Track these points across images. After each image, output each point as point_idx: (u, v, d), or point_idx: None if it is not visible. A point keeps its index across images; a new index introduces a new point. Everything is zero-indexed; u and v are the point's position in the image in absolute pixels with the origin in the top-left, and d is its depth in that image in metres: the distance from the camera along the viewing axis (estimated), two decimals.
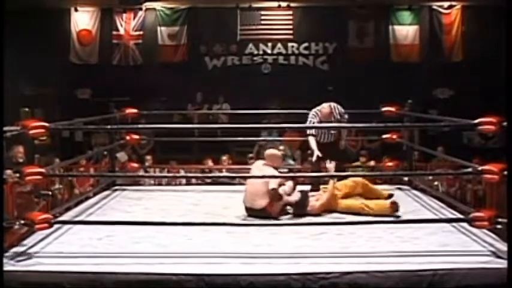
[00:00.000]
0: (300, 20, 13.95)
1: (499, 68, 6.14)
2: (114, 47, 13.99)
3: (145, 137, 9.74)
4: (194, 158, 10.95)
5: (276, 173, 5.31)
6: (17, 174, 4.18)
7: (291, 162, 10.52)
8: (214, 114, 13.14)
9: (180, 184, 8.38)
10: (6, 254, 3.96)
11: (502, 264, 3.76)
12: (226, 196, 6.20)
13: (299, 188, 5.47)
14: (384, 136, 6.99)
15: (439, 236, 4.45)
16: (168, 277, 3.66)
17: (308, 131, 6.29)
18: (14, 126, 4.34)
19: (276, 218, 5.08)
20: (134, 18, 13.95)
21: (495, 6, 11.01)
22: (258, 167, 5.40)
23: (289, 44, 14.04)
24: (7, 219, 4.30)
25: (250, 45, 14.03)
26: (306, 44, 14.06)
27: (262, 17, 13.94)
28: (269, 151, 5.58)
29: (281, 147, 8.34)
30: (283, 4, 13.80)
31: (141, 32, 13.97)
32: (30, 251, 4.12)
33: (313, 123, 6.19)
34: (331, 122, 6.18)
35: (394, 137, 6.81)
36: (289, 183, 5.34)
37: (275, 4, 13.81)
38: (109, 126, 6.18)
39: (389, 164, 7.15)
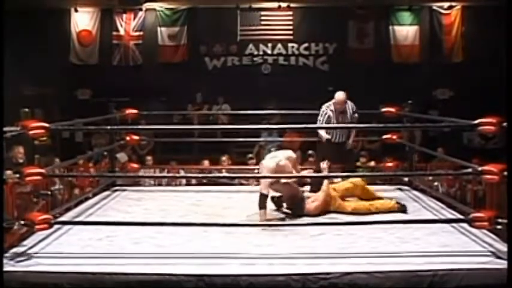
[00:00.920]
0: (300, 20, 13.95)
1: (499, 69, 6.13)
2: (114, 48, 13.99)
3: (145, 137, 9.74)
4: (194, 158, 10.95)
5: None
6: (17, 175, 4.18)
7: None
8: (214, 114, 13.14)
9: (180, 184, 8.38)
10: (6, 255, 3.96)
11: (502, 264, 3.76)
12: (226, 197, 6.21)
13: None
14: (384, 137, 6.99)
15: (439, 236, 4.45)
16: (168, 277, 3.66)
17: (319, 121, 6.19)
18: (14, 127, 4.34)
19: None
20: (134, 18, 13.95)
21: (495, 6, 10.99)
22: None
23: (289, 45, 14.05)
24: (7, 219, 4.30)
25: (250, 45, 14.03)
26: (306, 45, 14.06)
27: (262, 18, 13.94)
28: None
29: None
30: (283, 5, 13.80)
31: (141, 33, 13.97)
32: (30, 251, 4.12)
33: (326, 114, 6.15)
34: (345, 112, 6.13)
35: (394, 137, 6.81)
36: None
37: (275, 4, 13.81)
38: (109, 127, 6.19)
39: (390, 164, 7.15)
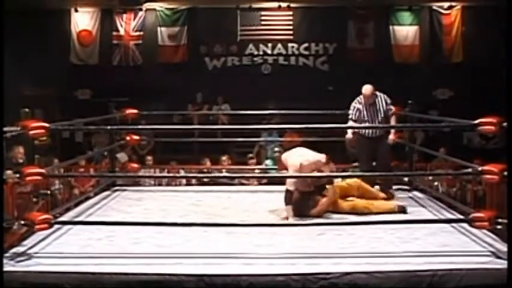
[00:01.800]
0: (300, 20, 13.95)
1: (499, 69, 6.14)
2: (114, 48, 13.99)
3: (146, 137, 9.74)
4: (194, 158, 10.95)
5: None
6: (17, 175, 4.18)
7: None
8: (214, 114, 13.15)
9: (180, 184, 8.38)
10: (6, 255, 3.96)
11: (502, 264, 3.76)
12: (226, 196, 6.21)
13: None
14: None
15: (439, 236, 4.45)
16: (168, 277, 3.66)
17: (350, 116, 6.16)
18: (14, 127, 4.34)
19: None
20: (134, 18, 13.95)
21: (495, 6, 11.00)
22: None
23: (289, 45, 14.05)
24: (7, 219, 4.30)
25: (251, 45, 14.04)
26: (306, 45, 14.07)
27: (263, 18, 13.95)
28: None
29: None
30: (283, 5, 13.80)
31: (141, 33, 13.97)
32: (30, 251, 4.12)
33: (355, 107, 6.11)
34: (375, 104, 6.05)
35: (395, 137, 6.80)
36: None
37: (275, 5, 13.81)
38: (109, 127, 6.19)
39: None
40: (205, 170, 9.12)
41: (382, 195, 5.68)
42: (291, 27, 13.96)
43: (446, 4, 13.82)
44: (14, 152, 7.70)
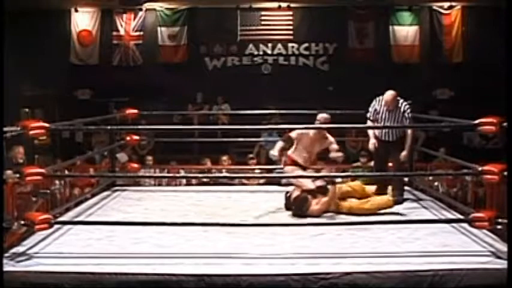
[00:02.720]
0: (300, 20, 13.94)
1: (499, 69, 6.13)
2: (114, 48, 13.98)
3: (146, 137, 9.74)
4: (194, 158, 10.95)
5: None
6: (17, 175, 4.18)
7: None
8: (214, 114, 13.14)
9: (180, 184, 8.38)
10: (6, 255, 3.96)
11: (502, 264, 3.77)
12: (226, 196, 6.21)
13: None
14: None
15: (440, 236, 4.46)
16: (168, 277, 3.67)
17: (368, 115, 6.01)
18: (14, 127, 4.34)
19: None
20: (134, 18, 13.94)
21: (495, 6, 11.00)
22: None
23: (290, 45, 14.04)
24: (7, 219, 4.30)
25: (251, 45, 14.03)
26: (306, 45, 14.05)
27: (263, 18, 13.94)
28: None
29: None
30: (284, 5, 13.80)
31: (141, 33, 13.96)
32: (30, 251, 4.12)
33: (374, 106, 5.98)
34: (394, 110, 5.83)
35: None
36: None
37: (275, 5, 13.80)
38: (109, 127, 6.20)
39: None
40: (205, 170, 9.12)
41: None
42: (291, 27, 13.95)
43: (446, 4, 13.81)
44: (14, 152, 7.70)
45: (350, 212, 5.25)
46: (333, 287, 3.64)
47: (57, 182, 8.38)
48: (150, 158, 10.23)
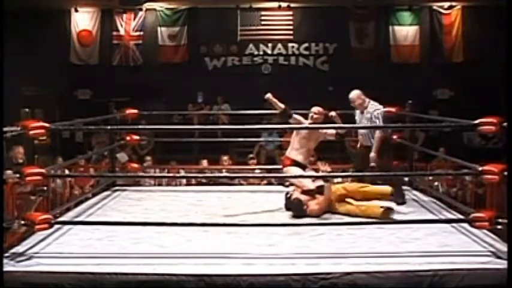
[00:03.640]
0: (300, 20, 13.95)
1: (499, 69, 6.13)
2: (115, 48, 13.99)
3: (146, 137, 9.74)
4: (194, 158, 10.95)
5: None
6: (17, 175, 4.18)
7: None
8: (214, 114, 13.14)
9: (180, 184, 8.37)
10: (6, 255, 3.96)
11: (502, 264, 3.77)
12: (226, 196, 6.21)
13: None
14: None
15: (439, 236, 4.45)
16: (168, 278, 3.66)
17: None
18: (14, 127, 4.34)
19: None
20: (134, 18, 13.95)
21: (495, 6, 11.00)
22: None
23: (290, 45, 14.04)
24: (7, 219, 4.30)
25: (251, 45, 14.03)
26: (306, 45, 14.06)
27: (263, 18, 13.95)
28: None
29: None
30: (284, 5, 13.80)
31: (141, 33, 13.97)
32: (30, 251, 4.12)
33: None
34: (364, 114, 5.87)
35: (395, 137, 6.80)
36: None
37: (275, 4, 13.81)
38: (109, 127, 6.19)
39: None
40: (205, 170, 9.12)
41: (386, 190, 5.51)
42: (291, 27, 13.96)
43: (446, 4, 13.81)
44: (14, 152, 7.71)
45: (348, 214, 5.24)
46: (333, 287, 3.64)
47: (58, 180, 8.38)
48: (149, 158, 10.24)
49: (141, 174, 7.82)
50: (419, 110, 7.02)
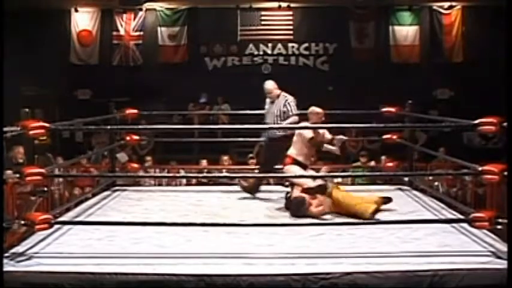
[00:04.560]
0: (300, 20, 13.96)
1: (499, 69, 6.13)
2: (115, 48, 14.00)
3: (146, 137, 9.74)
4: (194, 158, 10.95)
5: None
6: (17, 175, 4.18)
7: None
8: (215, 114, 13.14)
9: (180, 184, 8.38)
10: (6, 255, 3.96)
11: (502, 264, 3.76)
12: (226, 197, 6.20)
13: None
14: (384, 137, 6.98)
15: (439, 236, 4.45)
16: (168, 278, 3.66)
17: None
18: (14, 127, 4.34)
19: None
20: (134, 18, 13.96)
21: (495, 6, 11.02)
22: None
23: (290, 45, 14.05)
24: (7, 219, 4.30)
25: (251, 45, 14.04)
26: (306, 45, 14.07)
27: (263, 18, 13.95)
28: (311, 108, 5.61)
29: None
30: (284, 5, 13.81)
31: (141, 33, 13.98)
32: (30, 251, 4.11)
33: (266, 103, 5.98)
34: (274, 105, 5.96)
35: (394, 137, 6.81)
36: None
37: (275, 4, 13.81)
38: (109, 127, 6.19)
39: (390, 164, 7.14)
40: (205, 170, 9.13)
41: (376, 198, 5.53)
42: (291, 27, 13.96)
43: (446, 4, 13.82)
44: (14, 152, 7.72)
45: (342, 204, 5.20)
46: (333, 287, 3.64)
47: (57, 181, 8.39)
48: (149, 158, 10.24)
49: (141, 174, 7.82)
50: (419, 110, 7.02)
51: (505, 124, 4.10)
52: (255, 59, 14.10)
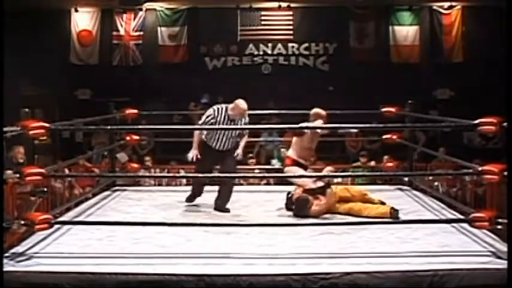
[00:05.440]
0: (300, 20, 13.94)
1: (499, 69, 6.14)
2: (114, 48, 13.98)
3: (146, 137, 9.74)
4: None
5: None
6: (17, 175, 4.18)
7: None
8: None
9: (180, 184, 8.37)
10: (6, 255, 3.96)
11: (502, 264, 3.76)
12: None
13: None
14: (384, 137, 6.99)
15: (439, 236, 4.45)
16: (168, 278, 3.66)
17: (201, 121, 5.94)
18: (14, 127, 4.34)
19: None
20: (134, 18, 13.94)
21: (495, 6, 11.01)
22: None
23: (290, 45, 14.03)
24: (7, 219, 4.30)
25: (251, 45, 14.03)
26: (306, 45, 14.05)
27: (263, 18, 13.94)
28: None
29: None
30: (284, 4, 13.80)
31: (141, 33, 13.96)
32: (30, 251, 4.12)
33: (210, 116, 5.87)
34: (236, 122, 5.74)
35: (394, 137, 6.81)
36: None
37: (275, 4, 13.80)
38: (109, 127, 6.19)
39: (390, 164, 7.15)
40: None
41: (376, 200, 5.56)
42: (291, 27, 13.95)
43: (446, 4, 13.80)
44: (14, 152, 7.71)
45: (349, 213, 5.24)
46: (333, 287, 3.64)
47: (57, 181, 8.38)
48: (148, 158, 10.23)
49: (141, 174, 7.82)
50: (419, 110, 7.02)
51: (505, 124, 4.10)
52: (255, 59, 14.08)
